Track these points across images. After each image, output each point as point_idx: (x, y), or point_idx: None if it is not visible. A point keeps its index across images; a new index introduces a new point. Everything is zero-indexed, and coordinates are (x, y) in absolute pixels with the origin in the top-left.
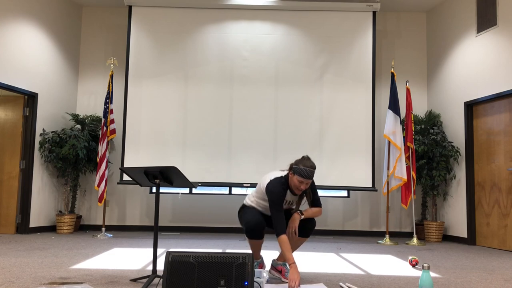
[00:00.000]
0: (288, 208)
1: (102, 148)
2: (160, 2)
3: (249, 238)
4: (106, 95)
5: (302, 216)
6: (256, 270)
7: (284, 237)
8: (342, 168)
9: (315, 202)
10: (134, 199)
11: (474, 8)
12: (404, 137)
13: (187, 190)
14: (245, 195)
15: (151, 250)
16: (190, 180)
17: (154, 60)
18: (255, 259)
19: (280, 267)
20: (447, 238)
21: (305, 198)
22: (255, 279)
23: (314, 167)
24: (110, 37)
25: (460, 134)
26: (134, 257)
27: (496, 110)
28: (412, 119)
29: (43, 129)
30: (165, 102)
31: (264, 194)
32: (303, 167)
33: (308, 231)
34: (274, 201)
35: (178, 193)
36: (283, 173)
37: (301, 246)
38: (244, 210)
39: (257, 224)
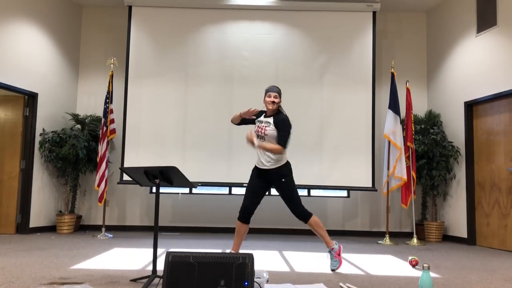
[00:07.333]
0: (260, 131)
1: (102, 148)
2: (160, 2)
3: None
4: (106, 95)
5: (263, 140)
6: (256, 270)
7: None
8: (342, 168)
9: (278, 138)
10: (134, 199)
11: (474, 8)
12: (404, 137)
13: (187, 190)
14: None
15: (151, 250)
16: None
17: (154, 60)
18: (234, 250)
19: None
20: (447, 238)
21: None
22: (255, 279)
23: (275, 86)
24: (110, 37)
25: (460, 134)
26: (134, 257)
27: (496, 110)
28: (412, 119)
29: (43, 129)
30: (165, 102)
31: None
32: (267, 87)
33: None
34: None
35: (178, 193)
36: None
37: (301, 246)
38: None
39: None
